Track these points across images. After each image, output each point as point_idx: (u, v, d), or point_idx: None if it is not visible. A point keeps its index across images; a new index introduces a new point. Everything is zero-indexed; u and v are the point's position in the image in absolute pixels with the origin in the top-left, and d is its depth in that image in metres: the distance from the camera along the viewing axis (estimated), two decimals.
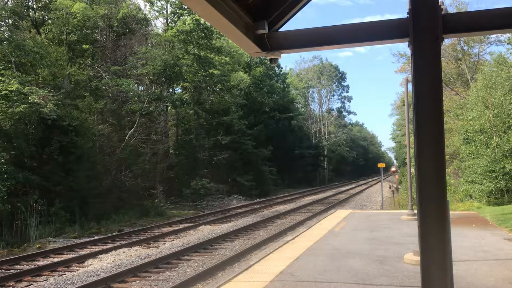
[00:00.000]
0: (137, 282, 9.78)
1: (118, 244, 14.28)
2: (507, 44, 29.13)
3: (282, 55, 4.45)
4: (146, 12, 33.53)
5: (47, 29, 24.75)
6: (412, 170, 14.66)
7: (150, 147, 27.21)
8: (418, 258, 5.86)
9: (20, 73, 18.87)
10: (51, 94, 18.71)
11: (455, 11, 26.52)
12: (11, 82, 17.14)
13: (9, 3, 24.33)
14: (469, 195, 22.54)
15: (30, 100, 17.08)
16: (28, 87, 17.57)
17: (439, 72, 3.44)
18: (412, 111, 3.66)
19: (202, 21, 30.91)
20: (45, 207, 17.20)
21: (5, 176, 15.73)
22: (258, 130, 43.49)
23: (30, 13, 26.08)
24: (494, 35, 30.41)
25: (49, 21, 25.53)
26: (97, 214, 20.17)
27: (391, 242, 10.57)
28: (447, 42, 31.85)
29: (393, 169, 53.92)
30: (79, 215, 18.94)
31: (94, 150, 22.21)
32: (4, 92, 16.91)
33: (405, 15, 3.70)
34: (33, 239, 15.61)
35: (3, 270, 11.17)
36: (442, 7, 3.58)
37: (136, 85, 28.78)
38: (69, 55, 23.97)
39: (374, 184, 62.59)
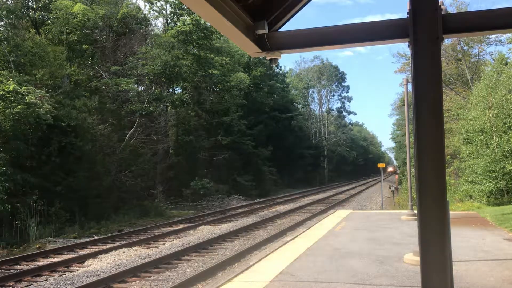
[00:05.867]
0: (137, 282, 9.78)
1: (118, 244, 14.28)
2: (508, 43, 29.16)
3: (282, 55, 4.44)
4: (146, 12, 33.58)
5: (47, 29, 24.76)
6: (412, 170, 14.66)
7: (150, 147, 27.21)
8: (418, 258, 5.86)
9: (19, 73, 18.84)
10: (48, 94, 18.64)
11: (455, 11, 26.55)
12: (8, 82, 17.08)
13: (9, 2, 24.32)
14: (469, 195, 22.52)
15: (26, 100, 17.02)
16: (25, 87, 17.52)
17: (439, 72, 3.43)
18: (412, 111, 3.65)
19: (202, 21, 30.92)
20: (45, 207, 17.20)
21: (4, 177, 15.70)
22: (258, 130, 43.50)
23: (30, 13, 26.09)
24: (494, 35, 30.42)
25: (49, 21, 25.54)
26: (97, 214, 20.17)
27: (391, 242, 10.57)
28: (447, 42, 31.86)
29: (390, 169, 52.69)
30: (79, 215, 18.94)
31: (94, 150, 22.20)
32: (1, 92, 16.87)
33: (405, 15, 3.69)
34: (33, 239, 15.61)
35: (3, 270, 11.17)
36: (442, 7, 3.58)
37: (136, 85, 28.78)
38: (68, 55, 23.97)
39: (374, 184, 62.57)
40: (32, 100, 17.07)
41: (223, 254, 12.58)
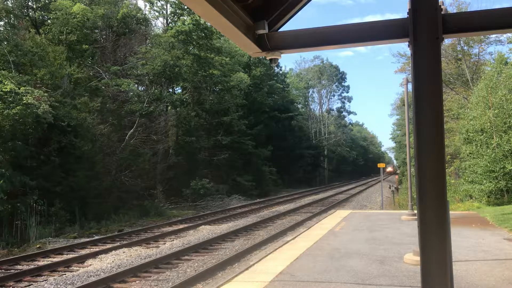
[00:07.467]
0: (137, 282, 9.78)
1: (118, 244, 14.28)
2: (508, 43, 29.19)
3: (282, 55, 4.43)
4: (146, 12, 33.60)
5: (47, 29, 24.77)
6: (412, 170, 14.66)
7: (150, 147, 27.22)
8: (418, 258, 5.86)
9: (19, 73, 18.82)
10: (46, 94, 18.58)
11: (455, 11, 26.55)
12: (5, 83, 17.02)
13: (9, 3, 24.33)
14: (469, 195, 22.52)
15: (24, 101, 16.96)
16: (24, 87, 17.47)
17: (439, 72, 3.43)
18: (412, 111, 3.65)
19: (202, 21, 30.93)
20: (45, 207, 17.20)
21: (3, 178, 15.65)
22: (258, 130, 43.50)
23: (30, 13, 26.10)
24: (494, 35, 30.42)
25: (49, 21, 25.55)
26: (97, 214, 20.18)
27: (391, 242, 10.57)
28: (447, 42, 31.86)
29: (389, 169, 52.22)
30: (79, 215, 18.95)
31: (94, 150, 22.22)
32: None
33: (405, 15, 3.69)
34: (33, 239, 15.61)
35: (3, 270, 11.17)
36: (442, 7, 3.57)
37: (136, 85, 28.78)
38: (68, 55, 23.97)
39: (374, 184, 62.58)
40: (29, 101, 17.01)
41: (223, 254, 12.58)
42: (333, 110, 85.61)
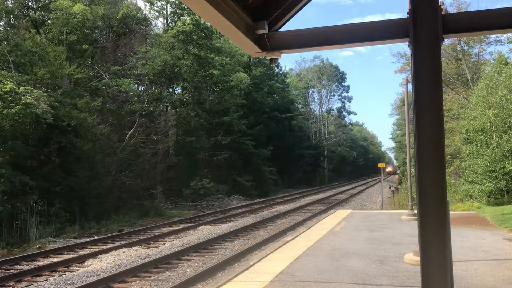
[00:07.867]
0: (137, 282, 9.78)
1: (118, 244, 14.28)
2: (508, 43, 29.19)
3: (282, 55, 4.44)
4: (146, 12, 33.60)
5: (47, 29, 24.77)
6: (412, 170, 14.66)
7: (150, 147, 27.21)
8: (418, 258, 5.87)
9: (19, 73, 18.80)
10: (45, 94, 18.54)
11: (455, 11, 26.55)
12: (5, 83, 17.00)
13: (9, 3, 24.34)
14: (469, 195, 22.52)
15: (23, 100, 16.93)
16: (23, 87, 17.44)
17: (439, 72, 3.43)
18: (412, 111, 3.65)
19: (202, 21, 30.93)
20: (45, 207, 17.19)
21: (3, 179, 15.63)
22: (258, 130, 43.49)
23: (30, 13, 26.10)
24: (494, 35, 30.42)
25: (49, 21, 25.56)
26: (97, 214, 20.18)
27: (391, 242, 10.57)
28: (447, 42, 31.89)
29: (389, 169, 52.02)
30: (79, 215, 18.94)
31: (93, 150, 22.21)
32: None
33: (405, 15, 3.70)
34: (33, 239, 15.61)
35: (3, 270, 11.17)
36: (442, 7, 3.58)
37: (136, 85, 28.78)
38: (68, 55, 23.97)
39: (374, 184, 62.58)
40: (28, 101, 16.97)
41: (223, 254, 12.58)
42: (333, 110, 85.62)
